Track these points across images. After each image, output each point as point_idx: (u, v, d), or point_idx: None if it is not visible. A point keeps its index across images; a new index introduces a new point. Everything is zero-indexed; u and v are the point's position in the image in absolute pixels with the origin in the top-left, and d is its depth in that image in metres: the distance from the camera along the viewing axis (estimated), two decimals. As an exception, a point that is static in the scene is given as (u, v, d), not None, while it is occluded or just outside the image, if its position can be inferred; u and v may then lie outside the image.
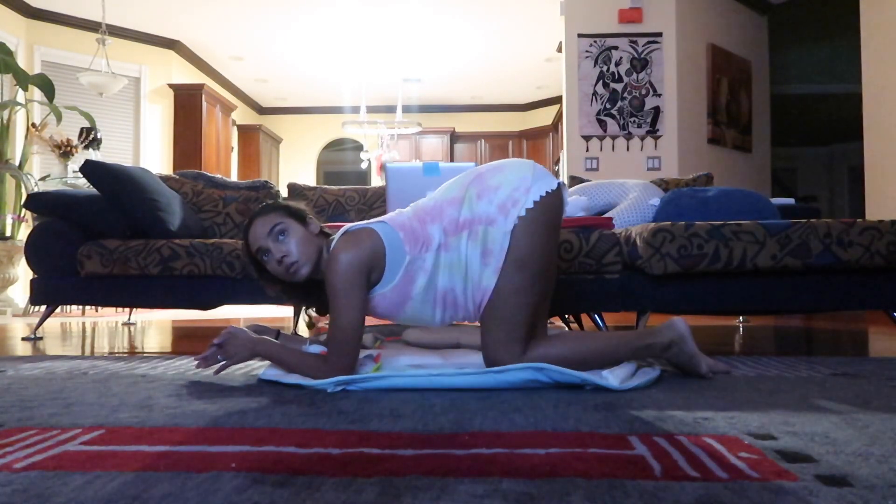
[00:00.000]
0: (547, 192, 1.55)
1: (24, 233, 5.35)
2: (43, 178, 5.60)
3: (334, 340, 1.54)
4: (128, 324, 4.05)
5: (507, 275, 1.52)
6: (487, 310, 1.56)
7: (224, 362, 1.66)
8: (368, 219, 1.74)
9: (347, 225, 1.64)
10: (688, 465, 0.92)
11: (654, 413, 1.26)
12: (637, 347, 1.62)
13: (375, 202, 3.57)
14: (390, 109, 9.48)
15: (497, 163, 1.65)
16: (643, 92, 5.69)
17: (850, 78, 6.95)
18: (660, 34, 5.70)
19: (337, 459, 0.96)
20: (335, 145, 10.93)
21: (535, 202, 1.53)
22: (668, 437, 1.08)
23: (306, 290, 1.71)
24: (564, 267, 2.52)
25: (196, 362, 1.72)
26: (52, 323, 4.26)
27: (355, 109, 9.32)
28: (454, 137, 10.28)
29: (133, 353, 2.50)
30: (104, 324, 4.15)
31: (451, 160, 10.05)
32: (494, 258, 1.52)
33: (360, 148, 10.13)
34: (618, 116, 5.70)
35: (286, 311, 5.13)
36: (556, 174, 8.10)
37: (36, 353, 2.48)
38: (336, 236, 1.62)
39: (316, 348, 1.75)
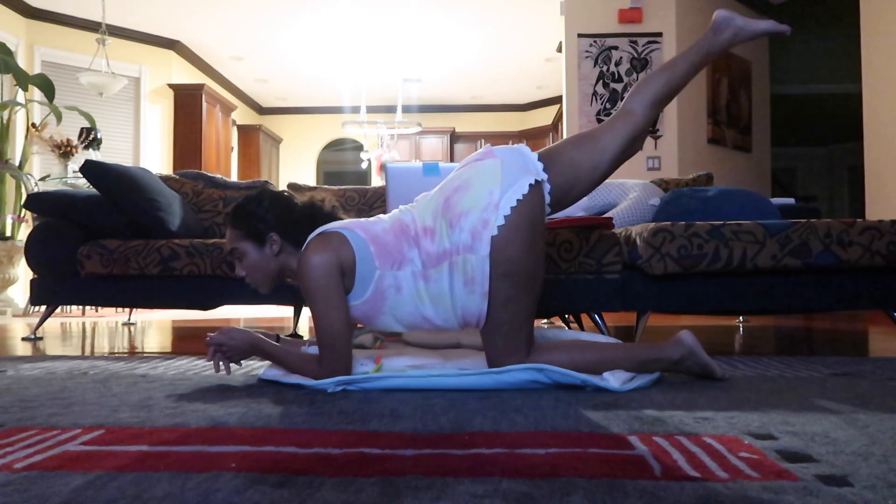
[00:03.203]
0: (518, 200, 1.48)
1: (24, 233, 5.35)
2: (43, 178, 5.60)
3: (322, 344, 1.54)
4: (128, 324, 4.05)
5: (496, 290, 1.50)
6: (485, 323, 1.55)
7: (226, 361, 1.66)
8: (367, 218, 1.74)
9: (324, 226, 1.62)
10: (688, 465, 0.92)
11: (654, 413, 1.26)
12: (643, 361, 1.60)
13: (375, 202, 3.57)
14: (390, 109, 9.49)
15: (464, 178, 1.56)
16: (643, 92, 5.68)
17: (850, 78, 6.94)
18: (660, 34, 5.70)
19: (337, 459, 0.96)
20: (335, 145, 10.93)
21: (506, 217, 1.47)
22: (668, 437, 1.08)
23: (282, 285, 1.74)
24: (564, 267, 2.52)
25: (204, 362, 1.73)
26: (52, 323, 4.26)
27: (355, 109, 9.32)
28: (454, 137, 10.27)
29: (133, 353, 2.50)
30: (104, 324, 4.15)
31: (451, 160, 10.04)
32: (479, 284, 1.49)
33: (360, 148, 10.13)
34: (618, 116, 5.69)
35: (286, 312, 5.13)
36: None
37: (36, 353, 2.48)
38: (311, 236, 1.60)
39: (315, 349, 1.75)
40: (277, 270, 1.65)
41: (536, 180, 1.54)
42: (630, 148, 1.70)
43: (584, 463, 0.93)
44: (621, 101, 5.63)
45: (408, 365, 1.69)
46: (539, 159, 1.60)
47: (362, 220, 1.65)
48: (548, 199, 1.59)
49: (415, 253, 1.55)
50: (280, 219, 1.64)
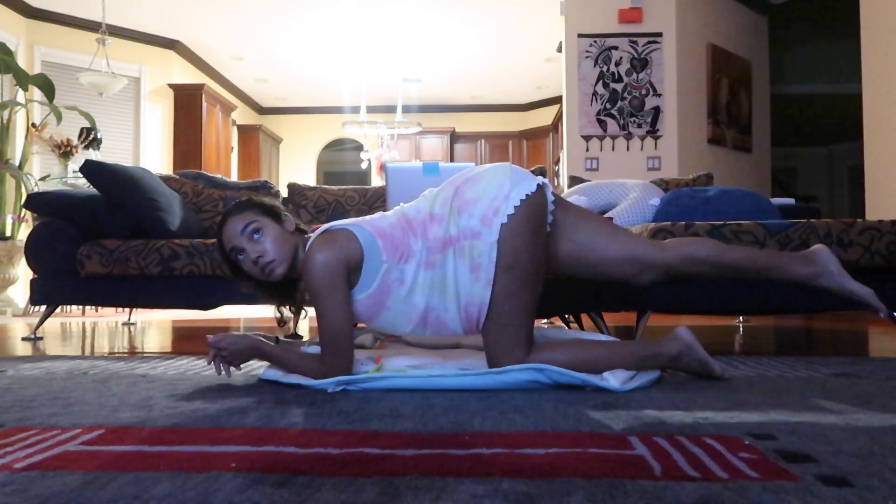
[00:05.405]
0: (527, 195, 1.53)
1: (24, 233, 5.34)
2: (43, 178, 5.60)
3: (324, 342, 1.53)
4: (128, 324, 4.05)
5: (499, 282, 1.51)
6: (486, 319, 1.56)
7: (227, 364, 1.66)
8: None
9: (327, 224, 1.63)
10: (688, 465, 0.92)
11: (654, 413, 1.26)
12: (641, 358, 1.60)
13: (375, 202, 3.57)
14: (390, 109, 9.48)
15: (474, 173, 1.62)
16: (643, 92, 5.69)
17: (850, 78, 6.94)
18: (660, 34, 5.70)
19: (337, 459, 0.96)
20: (335, 145, 10.92)
21: (515, 207, 1.51)
22: (668, 437, 1.08)
23: (282, 288, 1.69)
24: (564, 267, 2.52)
25: (205, 363, 1.73)
26: (52, 323, 4.26)
27: (355, 109, 9.32)
28: (454, 137, 10.27)
29: (133, 353, 2.50)
30: (104, 324, 4.15)
31: (451, 160, 10.05)
32: (484, 271, 1.51)
33: (360, 148, 10.13)
34: (618, 116, 5.70)
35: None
36: (556, 174, 8.10)
37: (36, 353, 2.48)
38: (314, 235, 1.61)
39: (315, 349, 1.75)
40: (294, 249, 1.62)
41: (543, 183, 1.58)
42: (633, 267, 1.66)
43: (584, 463, 0.93)
44: (621, 101, 5.67)
45: (408, 365, 1.69)
46: (553, 195, 1.64)
47: (366, 217, 1.66)
48: (551, 207, 1.62)
49: (420, 243, 1.56)
50: (282, 205, 1.70)
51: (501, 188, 1.54)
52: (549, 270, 1.66)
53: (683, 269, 1.67)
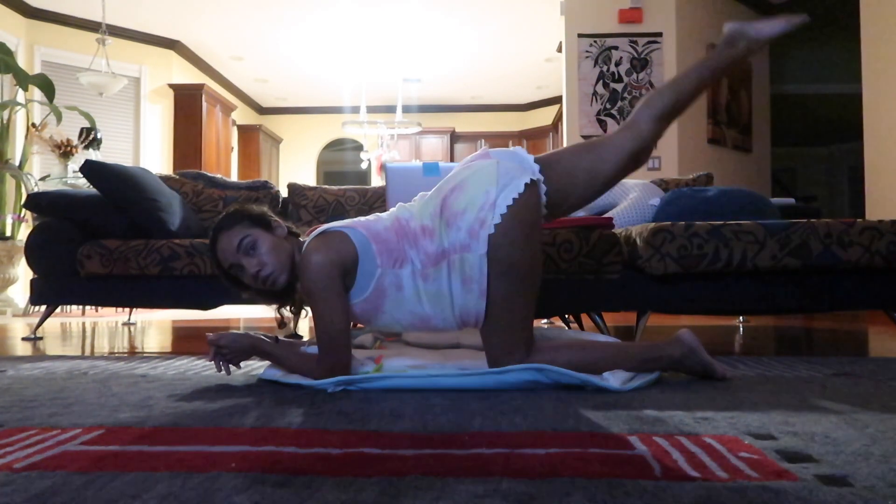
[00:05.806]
0: (514, 199, 1.49)
1: (24, 233, 5.34)
2: (43, 178, 5.60)
3: (322, 343, 1.53)
4: (128, 324, 4.05)
5: (495, 287, 1.50)
6: (484, 322, 1.55)
7: (227, 362, 1.66)
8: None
9: (324, 226, 1.62)
10: (688, 465, 0.92)
11: (654, 413, 1.26)
12: (643, 360, 1.60)
13: (375, 202, 3.57)
14: (390, 109, 9.48)
15: (461, 178, 1.57)
16: (643, 92, 5.69)
17: (850, 78, 6.94)
18: (660, 34, 5.70)
19: (337, 459, 0.96)
20: (335, 145, 10.92)
21: (502, 215, 1.48)
22: (668, 437, 1.08)
23: (281, 291, 1.68)
24: (564, 267, 2.52)
25: (205, 362, 1.73)
26: (52, 323, 4.26)
27: (355, 109, 9.31)
28: (454, 137, 10.27)
29: (133, 353, 2.50)
30: (104, 324, 4.15)
31: (451, 160, 10.04)
32: (476, 283, 1.49)
33: (360, 148, 10.13)
34: (618, 116, 5.70)
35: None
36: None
37: (36, 353, 2.48)
38: (310, 237, 1.60)
39: (315, 349, 1.74)
40: (291, 255, 1.62)
41: (532, 180, 1.54)
42: (633, 162, 1.66)
43: (584, 463, 0.93)
44: (621, 101, 5.67)
45: (408, 365, 1.69)
46: (536, 163, 1.61)
47: (361, 218, 1.65)
48: (543, 199, 1.60)
49: (414, 252, 1.55)
50: (271, 210, 1.70)
51: (488, 196, 1.50)
52: (570, 207, 1.67)
53: (665, 125, 1.70)
